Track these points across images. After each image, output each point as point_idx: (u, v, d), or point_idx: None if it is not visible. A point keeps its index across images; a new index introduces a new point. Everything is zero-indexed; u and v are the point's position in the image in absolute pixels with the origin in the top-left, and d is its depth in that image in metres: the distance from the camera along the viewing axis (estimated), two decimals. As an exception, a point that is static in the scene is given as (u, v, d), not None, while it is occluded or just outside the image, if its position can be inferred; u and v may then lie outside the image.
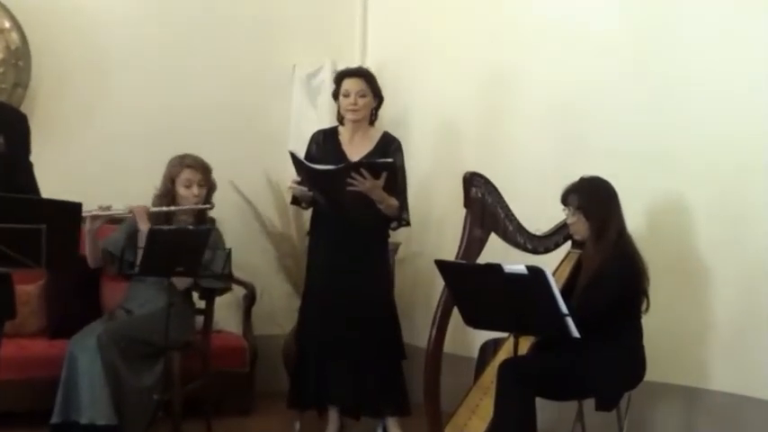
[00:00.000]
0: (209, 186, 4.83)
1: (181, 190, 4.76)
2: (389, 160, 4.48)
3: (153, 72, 5.60)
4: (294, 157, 4.47)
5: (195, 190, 4.76)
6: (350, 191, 4.39)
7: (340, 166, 4.41)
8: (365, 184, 4.39)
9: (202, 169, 4.79)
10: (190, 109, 5.64)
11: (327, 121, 5.38)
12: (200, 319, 4.89)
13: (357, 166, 4.38)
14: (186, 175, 4.76)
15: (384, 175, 4.40)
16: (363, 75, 4.74)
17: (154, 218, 4.68)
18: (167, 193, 4.77)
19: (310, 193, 4.55)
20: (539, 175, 4.92)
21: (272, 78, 5.93)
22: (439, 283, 4.10)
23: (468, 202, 4.29)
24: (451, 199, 4.64)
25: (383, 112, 4.87)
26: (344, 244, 4.64)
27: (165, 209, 4.71)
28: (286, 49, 5.95)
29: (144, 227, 4.49)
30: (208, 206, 4.77)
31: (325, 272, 4.70)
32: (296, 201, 4.76)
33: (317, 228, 4.79)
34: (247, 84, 5.84)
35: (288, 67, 5.96)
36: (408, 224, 4.75)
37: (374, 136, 4.76)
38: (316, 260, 4.77)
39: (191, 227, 4.59)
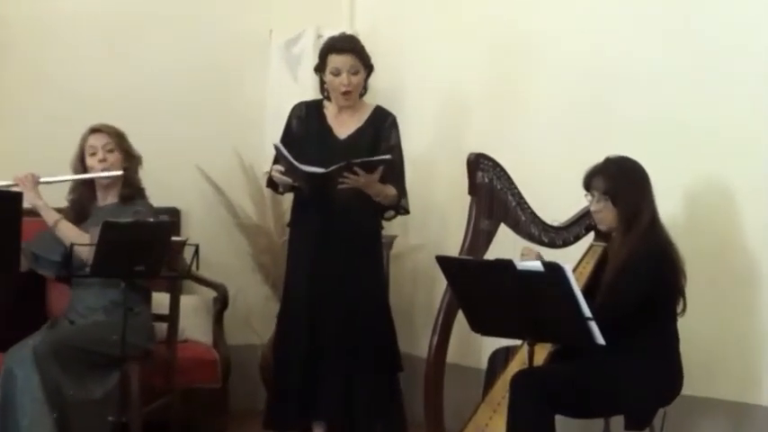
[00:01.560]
0: (123, 152, 4.75)
1: (88, 161, 4.73)
2: (387, 157, 4.56)
3: (106, 40, 5.63)
4: (279, 151, 4.50)
5: (100, 154, 4.71)
6: (342, 188, 4.48)
7: (331, 168, 4.46)
8: (359, 180, 4.47)
9: (108, 132, 4.75)
10: (148, 81, 5.66)
11: (311, 96, 5.34)
12: (162, 327, 4.85)
13: (350, 166, 4.44)
14: (90, 142, 4.74)
15: (380, 168, 4.48)
16: (353, 49, 4.76)
17: (71, 206, 4.68)
18: (81, 173, 4.75)
19: (293, 183, 4.60)
20: (556, 157, 4.91)
21: (245, 46, 5.94)
22: (441, 282, 4.09)
23: (474, 188, 4.30)
24: (454, 185, 4.65)
25: (374, 85, 4.89)
26: (331, 236, 4.67)
27: (59, 179, 4.66)
28: (261, 11, 5.93)
29: (37, 201, 4.47)
30: (115, 173, 4.68)
31: (308, 270, 4.71)
32: (272, 184, 4.78)
33: (298, 217, 4.80)
34: (216, 52, 5.85)
35: (264, 32, 5.95)
36: (407, 212, 4.79)
37: (365, 110, 4.82)
38: (297, 256, 4.79)
39: (151, 219, 4.56)
